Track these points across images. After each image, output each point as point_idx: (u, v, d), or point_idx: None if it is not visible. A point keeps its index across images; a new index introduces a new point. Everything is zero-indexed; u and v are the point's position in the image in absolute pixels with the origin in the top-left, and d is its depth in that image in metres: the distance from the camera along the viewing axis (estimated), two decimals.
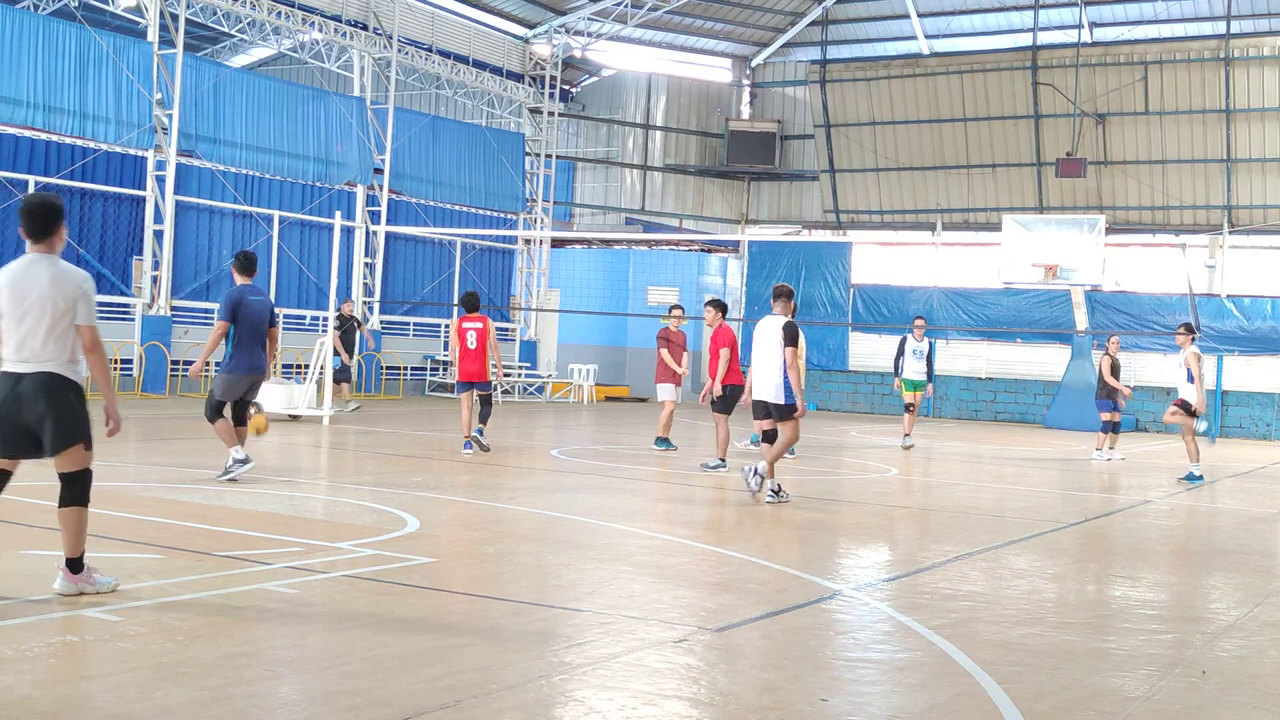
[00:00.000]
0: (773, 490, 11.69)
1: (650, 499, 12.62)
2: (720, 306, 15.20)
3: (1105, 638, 6.68)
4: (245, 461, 11.27)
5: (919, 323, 20.55)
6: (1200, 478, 16.15)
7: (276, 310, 12.19)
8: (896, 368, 20.34)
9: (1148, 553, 10.23)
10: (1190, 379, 16.34)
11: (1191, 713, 5.35)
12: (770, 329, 11.75)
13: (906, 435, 19.91)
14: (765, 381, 11.71)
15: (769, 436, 11.79)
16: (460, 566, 7.83)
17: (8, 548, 7.48)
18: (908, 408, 20.21)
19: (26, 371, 6.24)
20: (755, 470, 11.74)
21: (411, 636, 5.87)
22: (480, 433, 15.27)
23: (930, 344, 20.35)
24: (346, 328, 21.74)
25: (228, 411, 11.59)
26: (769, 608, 6.99)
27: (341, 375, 21.54)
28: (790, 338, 11.54)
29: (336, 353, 20.94)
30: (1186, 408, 16.36)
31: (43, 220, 6.40)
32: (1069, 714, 5.20)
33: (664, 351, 17.34)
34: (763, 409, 11.80)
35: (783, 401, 11.59)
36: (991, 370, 32.02)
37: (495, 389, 15.71)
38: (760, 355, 11.81)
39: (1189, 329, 16.98)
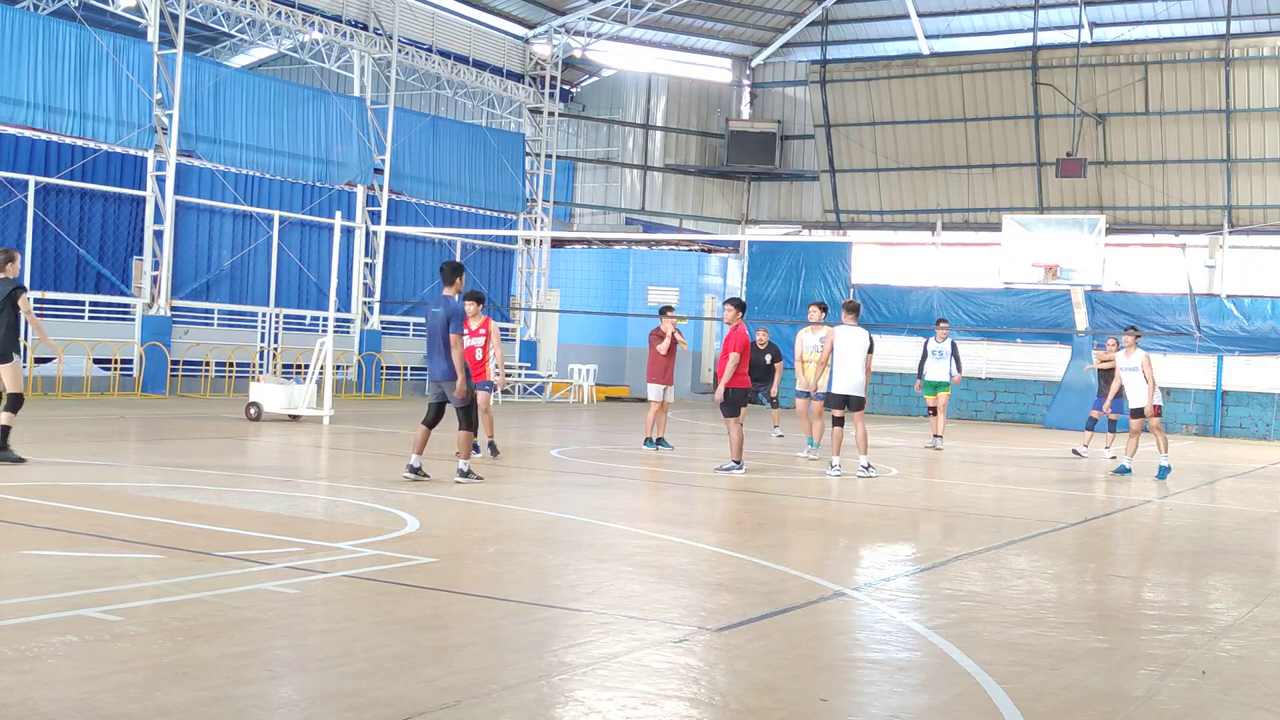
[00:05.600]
0: (863, 466, 14.44)
1: (650, 499, 12.63)
2: (740, 306, 15.10)
3: (1105, 638, 6.67)
4: (416, 470, 11.83)
5: (942, 324, 20.67)
6: (1166, 470, 16.30)
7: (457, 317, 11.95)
8: (920, 370, 20.45)
9: (1148, 553, 10.23)
10: (1144, 381, 16.21)
11: (1191, 713, 5.35)
12: (856, 339, 14.65)
13: (937, 436, 20.02)
14: (850, 379, 14.63)
15: (839, 421, 14.79)
16: (460, 566, 7.83)
17: (8, 548, 7.48)
18: (931, 410, 20.36)
19: None
20: (834, 464, 14.62)
21: (411, 636, 5.87)
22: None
23: (952, 343, 20.45)
24: (759, 359, 19.49)
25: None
26: (769, 608, 6.98)
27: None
28: (872, 347, 14.76)
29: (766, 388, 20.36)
30: (1154, 412, 16.32)
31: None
32: (1069, 714, 5.20)
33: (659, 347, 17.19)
34: (841, 400, 14.71)
35: (862, 395, 14.75)
36: (991, 370, 32.00)
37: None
38: (844, 358, 14.62)
39: (1136, 331, 16.78)
